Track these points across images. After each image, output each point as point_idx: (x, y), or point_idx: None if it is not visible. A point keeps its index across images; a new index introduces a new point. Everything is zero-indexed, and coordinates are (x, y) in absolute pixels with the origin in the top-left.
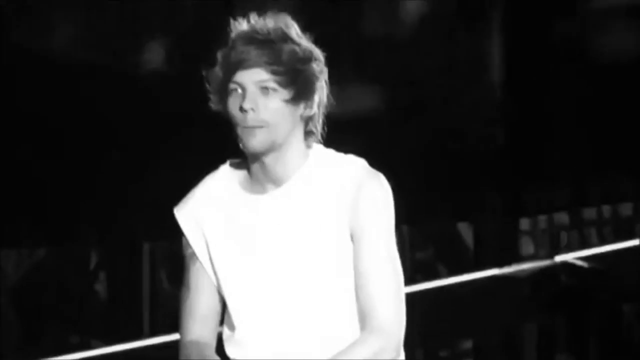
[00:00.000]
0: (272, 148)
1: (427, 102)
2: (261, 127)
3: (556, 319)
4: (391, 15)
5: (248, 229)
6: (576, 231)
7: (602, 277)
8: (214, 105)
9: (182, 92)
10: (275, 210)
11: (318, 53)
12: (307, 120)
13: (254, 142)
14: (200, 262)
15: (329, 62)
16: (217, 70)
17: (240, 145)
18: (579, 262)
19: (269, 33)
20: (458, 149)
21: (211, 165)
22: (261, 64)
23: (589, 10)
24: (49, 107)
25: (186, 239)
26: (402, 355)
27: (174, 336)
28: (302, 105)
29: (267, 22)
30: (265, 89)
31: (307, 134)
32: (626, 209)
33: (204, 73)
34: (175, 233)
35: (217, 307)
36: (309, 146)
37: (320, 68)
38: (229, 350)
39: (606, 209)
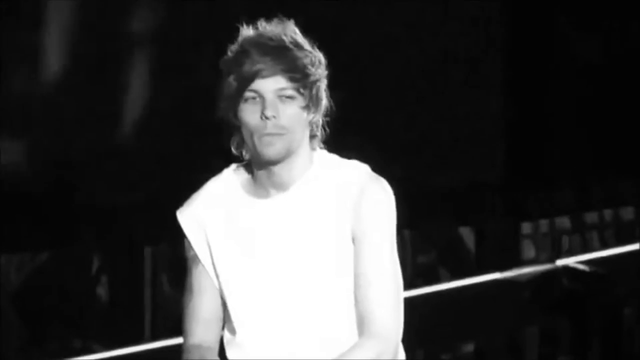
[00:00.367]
0: (287, 155)
1: (428, 104)
2: (280, 134)
3: (558, 323)
4: (386, 14)
5: (250, 232)
6: (578, 235)
7: (604, 281)
8: (221, 112)
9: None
10: (277, 215)
11: (322, 58)
12: (312, 125)
13: (272, 150)
14: (203, 265)
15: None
16: (232, 80)
17: (246, 153)
18: (581, 266)
19: (282, 40)
20: (459, 153)
21: (214, 169)
22: (279, 72)
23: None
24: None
25: (188, 242)
26: (403, 358)
27: (176, 340)
28: (312, 111)
29: (275, 29)
30: (283, 97)
31: (311, 138)
32: (628, 213)
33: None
34: (177, 236)
35: (220, 310)
36: (313, 149)
37: (325, 73)
38: (230, 353)
39: (608, 213)
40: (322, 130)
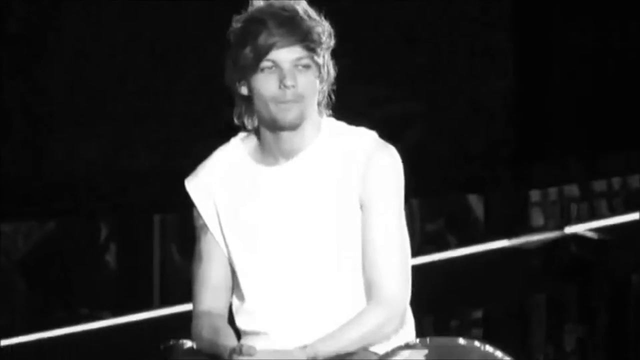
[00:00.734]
0: (301, 121)
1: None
2: (297, 101)
3: (566, 290)
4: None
5: (258, 199)
6: (586, 202)
7: (611, 249)
8: (229, 82)
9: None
10: (285, 182)
11: (330, 27)
12: (321, 93)
13: (289, 115)
14: (211, 233)
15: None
16: (247, 51)
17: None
18: (589, 234)
19: (295, 10)
20: (469, 121)
21: (222, 138)
22: (295, 42)
23: None
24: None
25: (197, 210)
26: (412, 325)
27: (185, 307)
28: (323, 78)
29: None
30: (299, 66)
31: (319, 105)
32: (636, 180)
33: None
34: (185, 204)
35: (229, 278)
36: (320, 116)
37: (333, 42)
38: (238, 321)
39: (616, 181)
40: (329, 98)
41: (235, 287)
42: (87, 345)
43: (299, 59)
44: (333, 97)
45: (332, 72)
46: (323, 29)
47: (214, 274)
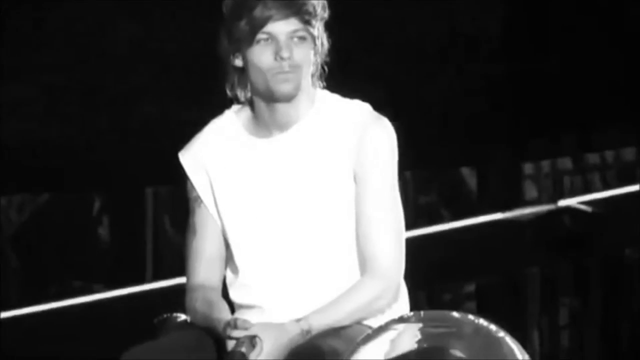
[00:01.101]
0: (297, 92)
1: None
2: (293, 72)
3: (559, 263)
4: None
5: (252, 172)
6: (579, 176)
7: (605, 222)
8: (225, 54)
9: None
10: (279, 154)
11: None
12: (315, 65)
13: (286, 86)
14: (205, 206)
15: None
16: (243, 24)
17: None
18: (582, 207)
19: None
20: (462, 94)
21: (215, 110)
22: (292, 15)
23: None
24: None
25: (191, 183)
26: (406, 298)
27: (177, 280)
28: (318, 50)
29: None
30: (295, 38)
31: (312, 77)
32: (629, 154)
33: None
34: (178, 177)
35: (223, 250)
36: (314, 88)
37: (326, 14)
38: (232, 294)
39: (609, 154)
40: (322, 70)
41: (229, 260)
42: (80, 318)
43: (295, 31)
44: (326, 69)
45: (326, 44)
46: (317, 0)
47: (207, 247)
